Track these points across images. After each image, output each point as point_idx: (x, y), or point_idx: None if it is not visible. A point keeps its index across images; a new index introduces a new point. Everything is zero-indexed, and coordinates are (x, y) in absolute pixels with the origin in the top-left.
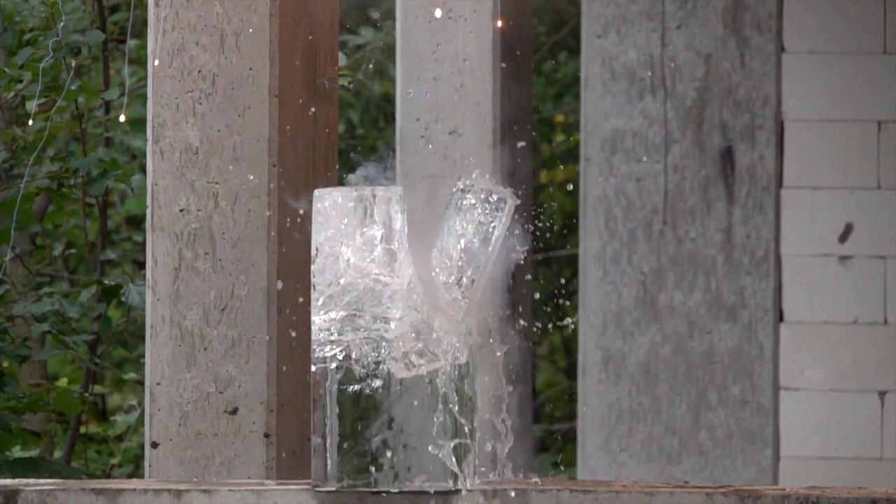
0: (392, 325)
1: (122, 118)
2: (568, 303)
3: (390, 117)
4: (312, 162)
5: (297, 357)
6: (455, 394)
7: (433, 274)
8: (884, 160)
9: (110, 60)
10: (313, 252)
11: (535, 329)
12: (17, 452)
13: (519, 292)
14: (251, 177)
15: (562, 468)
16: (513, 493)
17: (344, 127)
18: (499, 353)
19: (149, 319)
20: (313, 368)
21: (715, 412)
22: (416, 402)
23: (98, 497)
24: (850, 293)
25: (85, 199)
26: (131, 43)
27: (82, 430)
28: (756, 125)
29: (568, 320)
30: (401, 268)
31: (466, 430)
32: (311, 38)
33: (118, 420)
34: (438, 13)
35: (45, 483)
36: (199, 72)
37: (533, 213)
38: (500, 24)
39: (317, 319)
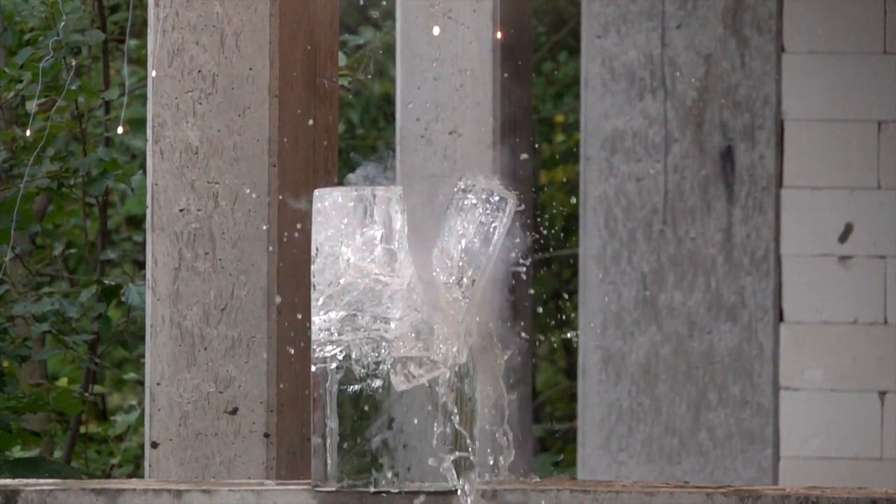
0: (392, 325)
1: (119, 130)
2: (568, 303)
3: (390, 117)
4: (312, 162)
5: (298, 357)
6: (455, 404)
7: (434, 274)
8: (884, 160)
9: (110, 60)
10: (313, 252)
11: (537, 342)
12: (17, 452)
13: (519, 293)
14: (251, 177)
15: (559, 469)
16: (513, 494)
17: (344, 127)
18: (500, 360)
19: (149, 319)
20: (313, 368)
21: (715, 412)
22: (415, 403)
23: (98, 497)
24: (850, 293)
25: (85, 199)
26: (131, 43)
27: (82, 430)
28: (756, 125)
29: (571, 333)
30: (401, 268)
31: (467, 442)
32: (311, 38)
33: (118, 420)
34: (437, 30)
35: (45, 483)
36: (199, 72)
37: (534, 213)
38: (499, 35)
39: (317, 319)
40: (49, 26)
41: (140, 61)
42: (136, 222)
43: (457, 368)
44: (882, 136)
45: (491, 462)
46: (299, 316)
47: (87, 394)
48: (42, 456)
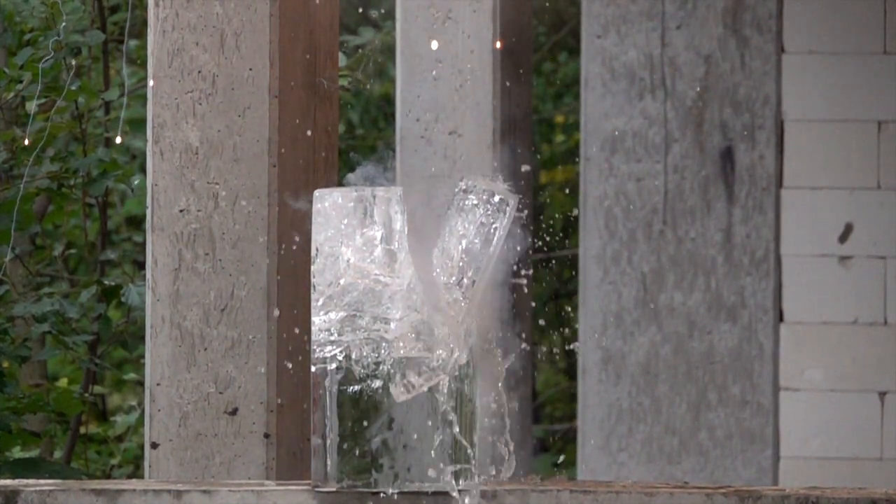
0: (392, 325)
1: (118, 139)
2: (568, 305)
3: (390, 117)
4: (312, 162)
5: (298, 357)
6: (455, 411)
7: (434, 274)
8: (884, 160)
9: (110, 61)
10: (313, 252)
11: (538, 354)
12: (17, 453)
13: (520, 303)
14: (251, 177)
15: (559, 469)
16: (513, 494)
17: (344, 127)
18: (500, 368)
19: (149, 320)
20: (313, 369)
21: (715, 412)
22: (415, 403)
23: (98, 497)
24: (850, 293)
25: (85, 199)
26: (131, 43)
27: (82, 430)
28: (756, 125)
29: (573, 345)
30: (401, 268)
31: (468, 453)
32: (311, 38)
33: (118, 420)
34: (435, 45)
35: (45, 483)
36: (199, 72)
37: (534, 213)
38: (499, 44)
39: (317, 320)
40: (49, 26)
41: (140, 62)
42: (136, 223)
43: (457, 370)
44: (882, 136)
45: (493, 473)
46: (296, 330)
47: (87, 394)
48: (42, 456)
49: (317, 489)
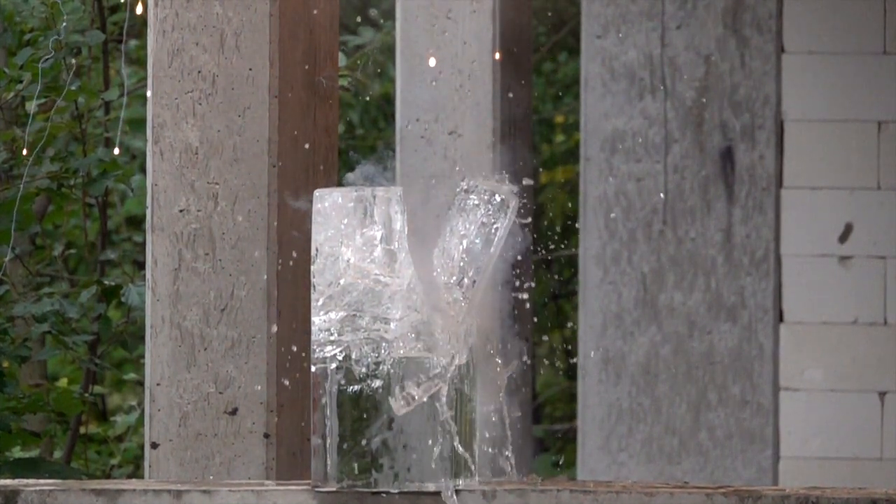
0: (392, 325)
1: (116, 151)
2: (568, 305)
3: (390, 117)
4: (312, 162)
5: (298, 357)
6: (454, 412)
7: (434, 274)
8: (884, 160)
9: (110, 61)
10: (313, 252)
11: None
12: (17, 453)
13: (521, 318)
14: (251, 177)
15: (559, 469)
16: (513, 494)
17: (344, 127)
18: (500, 380)
19: (149, 320)
20: (313, 369)
21: (715, 412)
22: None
23: (98, 497)
24: (850, 293)
25: (85, 199)
26: (131, 43)
27: (82, 430)
28: (756, 125)
29: (574, 359)
30: (401, 268)
31: (468, 452)
32: (311, 38)
33: (118, 420)
34: (433, 62)
35: (45, 483)
36: (199, 72)
37: (534, 213)
38: (498, 55)
39: (317, 320)
40: (49, 26)
41: (140, 62)
42: (136, 223)
43: (457, 370)
44: (882, 136)
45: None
46: (294, 348)
47: (87, 394)
48: (42, 456)
49: (317, 489)
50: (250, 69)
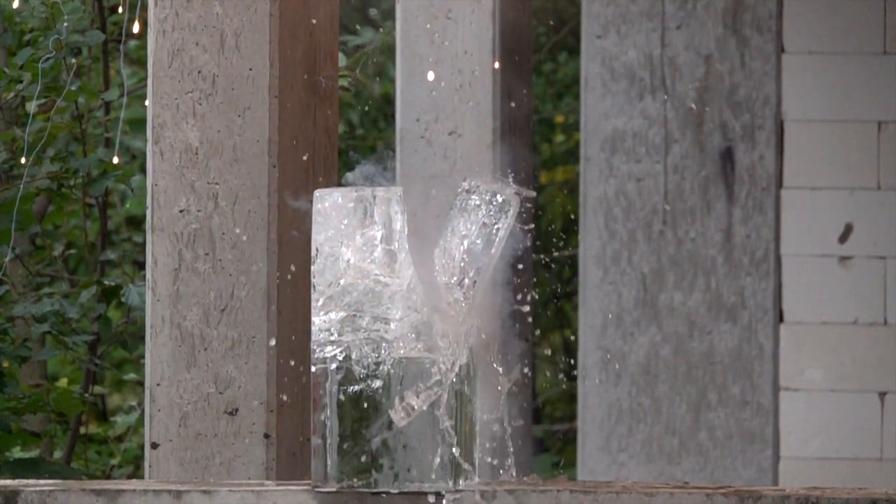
0: (392, 325)
1: (115, 159)
2: (568, 305)
3: (390, 117)
4: (312, 162)
5: (298, 357)
6: (455, 412)
7: (435, 274)
8: (884, 160)
9: (110, 61)
10: (313, 252)
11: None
12: (17, 453)
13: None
14: (251, 177)
15: (559, 469)
16: (513, 494)
17: (344, 127)
18: (500, 388)
19: (149, 320)
20: (313, 369)
21: (715, 412)
22: None
23: (98, 498)
24: (850, 293)
25: (85, 199)
26: (131, 43)
27: (82, 430)
28: (756, 125)
29: (575, 372)
30: (401, 268)
31: (468, 453)
32: (311, 38)
33: (118, 421)
34: (431, 76)
35: (45, 484)
36: (199, 72)
37: (534, 213)
38: (497, 65)
39: (317, 320)
40: (49, 26)
41: (140, 62)
42: (136, 223)
43: (457, 372)
44: (882, 136)
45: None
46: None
47: (87, 394)
48: (42, 457)
49: (317, 489)
50: (250, 69)
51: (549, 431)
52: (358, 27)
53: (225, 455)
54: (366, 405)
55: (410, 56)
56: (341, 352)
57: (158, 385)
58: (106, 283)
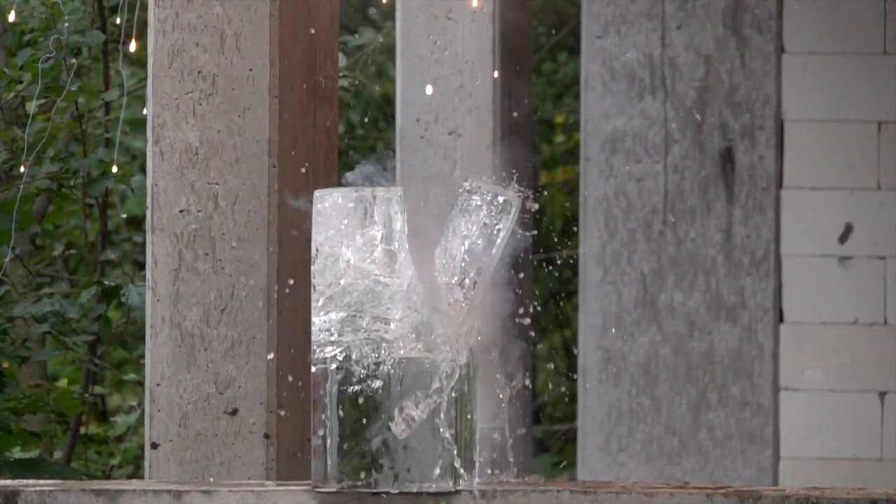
0: (392, 325)
1: (114, 168)
2: (568, 305)
3: (390, 117)
4: (312, 162)
5: (298, 357)
6: (455, 412)
7: (435, 274)
8: (884, 160)
9: (110, 61)
10: (313, 253)
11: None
12: (17, 453)
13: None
14: (251, 177)
15: (561, 469)
16: (513, 494)
17: (344, 127)
18: (502, 395)
19: (149, 320)
20: (313, 369)
21: (715, 412)
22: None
23: (98, 498)
24: (850, 293)
25: (85, 199)
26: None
27: (82, 430)
28: (756, 125)
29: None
30: (401, 269)
31: (469, 453)
32: (311, 38)
33: (118, 421)
34: (429, 90)
35: (46, 484)
36: (199, 72)
37: (533, 214)
38: (496, 74)
39: (317, 320)
40: (49, 27)
41: (140, 62)
42: (136, 223)
43: (457, 372)
44: (882, 136)
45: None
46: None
47: (87, 394)
48: (42, 457)
49: (317, 489)
50: (250, 69)
51: (549, 431)
52: (358, 27)
53: (225, 455)
54: (366, 405)
55: (410, 56)
56: (341, 352)
57: (158, 385)
58: (106, 283)
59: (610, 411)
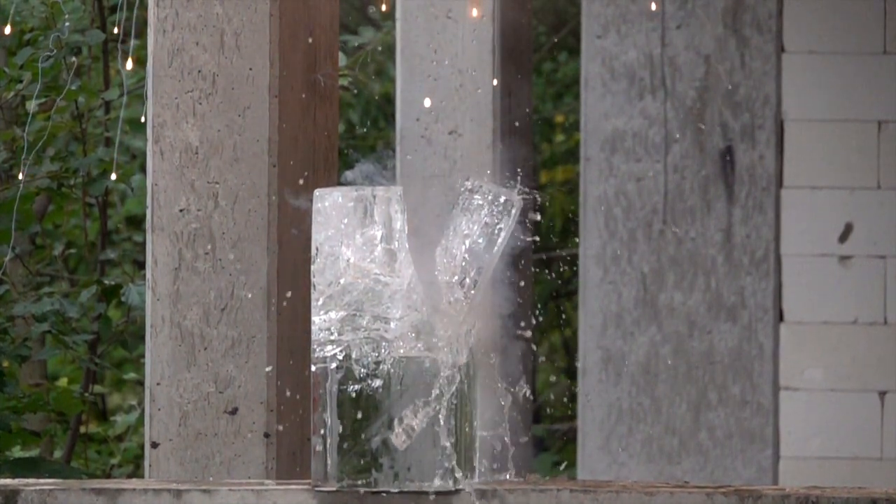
0: (392, 325)
1: (113, 176)
2: (568, 305)
3: (390, 117)
4: (312, 162)
5: (298, 357)
6: (455, 411)
7: (436, 273)
8: (884, 160)
9: (110, 60)
10: (313, 252)
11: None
12: (17, 452)
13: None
14: (251, 177)
15: (559, 469)
16: (513, 494)
17: (344, 127)
18: (503, 402)
19: (149, 319)
20: (313, 368)
21: (715, 412)
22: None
23: (98, 497)
24: (850, 293)
25: (85, 199)
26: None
27: (82, 430)
28: (756, 125)
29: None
30: (401, 268)
31: (469, 452)
32: (311, 38)
33: (118, 420)
34: (428, 102)
35: (46, 483)
36: (199, 72)
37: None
38: (495, 82)
39: (317, 319)
40: (49, 26)
41: (140, 62)
42: (136, 222)
43: (458, 374)
44: (882, 136)
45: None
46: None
47: (87, 394)
48: (42, 456)
49: (317, 489)
50: (250, 69)
51: (549, 431)
52: (358, 27)
53: (225, 454)
54: (366, 405)
55: (410, 56)
56: (341, 351)
57: (158, 384)
58: (106, 282)
59: (610, 411)
